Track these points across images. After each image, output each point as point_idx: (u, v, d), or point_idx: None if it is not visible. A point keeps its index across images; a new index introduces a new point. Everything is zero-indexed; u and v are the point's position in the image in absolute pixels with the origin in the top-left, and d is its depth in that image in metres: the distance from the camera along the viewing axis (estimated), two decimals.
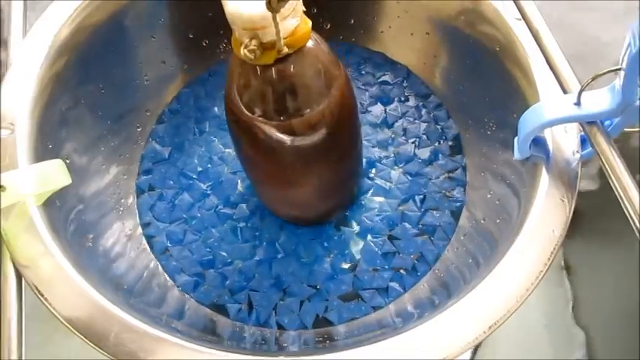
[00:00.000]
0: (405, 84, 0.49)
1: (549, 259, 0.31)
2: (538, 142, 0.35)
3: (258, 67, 0.29)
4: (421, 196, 0.44)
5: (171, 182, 0.45)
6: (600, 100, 0.31)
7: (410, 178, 0.45)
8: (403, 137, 0.46)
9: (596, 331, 0.50)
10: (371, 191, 0.44)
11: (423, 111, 0.47)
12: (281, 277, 0.41)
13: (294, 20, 0.28)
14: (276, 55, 0.28)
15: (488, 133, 0.42)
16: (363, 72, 0.50)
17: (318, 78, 0.31)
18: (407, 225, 0.43)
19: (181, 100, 0.48)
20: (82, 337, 0.29)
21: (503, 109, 0.40)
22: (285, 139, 0.32)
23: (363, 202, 0.44)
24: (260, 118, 0.31)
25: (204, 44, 0.48)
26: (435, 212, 0.43)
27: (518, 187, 0.36)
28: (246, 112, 0.31)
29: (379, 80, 0.49)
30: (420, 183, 0.44)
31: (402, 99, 0.48)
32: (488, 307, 0.30)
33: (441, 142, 0.46)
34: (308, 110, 0.31)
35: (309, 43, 0.30)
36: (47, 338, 0.49)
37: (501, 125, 0.41)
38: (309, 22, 0.29)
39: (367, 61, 0.50)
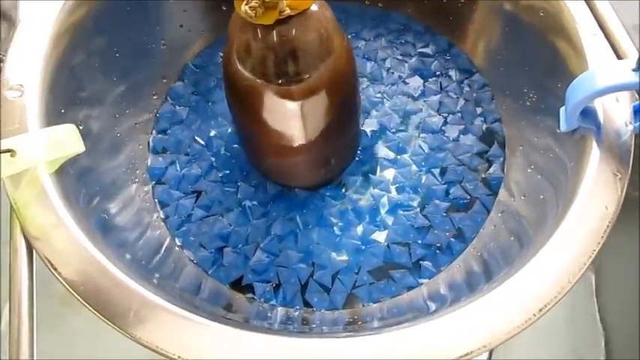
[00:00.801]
0: (447, 56, 0.46)
1: (602, 237, 0.29)
2: (587, 113, 0.32)
3: (258, 29, 0.29)
4: (440, 169, 0.42)
5: (185, 146, 0.43)
6: None
7: (434, 150, 0.43)
8: (435, 111, 0.44)
9: (618, 328, 0.48)
10: (388, 161, 0.42)
11: (466, 89, 0.45)
12: (309, 248, 0.39)
13: None
14: (277, 16, 0.28)
15: (528, 104, 0.39)
16: (402, 41, 0.47)
17: (320, 43, 0.30)
18: (436, 200, 0.41)
19: (204, 59, 0.46)
20: (99, 314, 0.27)
21: (544, 79, 0.38)
22: (284, 103, 0.32)
23: (377, 175, 0.42)
24: (259, 81, 0.31)
25: (224, 9, 0.45)
26: (467, 184, 0.41)
27: (564, 161, 0.34)
28: (246, 75, 0.31)
29: (419, 51, 0.46)
30: (442, 157, 0.42)
31: (443, 73, 0.46)
32: (538, 287, 0.28)
33: (477, 121, 0.43)
34: (307, 75, 0.31)
35: (313, 7, 0.29)
36: (58, 315, 0.47)
37: (543, 96, 0.38)
38: None
39: (407, 29, 0.47)
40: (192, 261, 0.39)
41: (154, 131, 0.44)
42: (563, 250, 0.29)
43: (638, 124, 0.32)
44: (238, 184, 0.42)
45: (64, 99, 0.35)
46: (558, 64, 0.36)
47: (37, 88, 0.33)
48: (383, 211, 0.40)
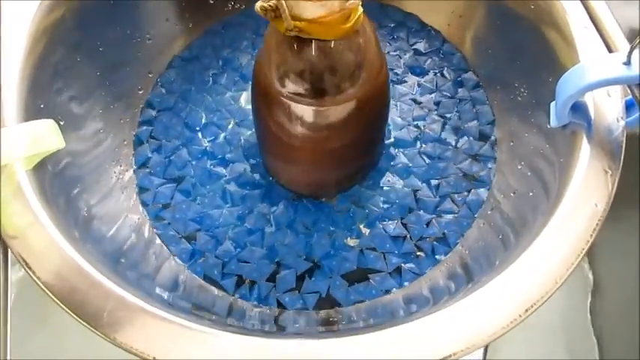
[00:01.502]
0: (440, 54, 0.45)
1: (591, 235, 0.28)
2: (578, 108, 0.32)
3: (295, 43, 0.28)
4: (437, 181, 0.40)
5: (174, 133, 0.43)
6: None
7: (429, 160, 0.41)
8: (435, 113, 0.43)
9: (613, 330, 0.47)
10: (388, 170, 0.41)
11: (460, 88, 0.44)
12: (275, 248, 0.39)
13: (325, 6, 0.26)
14: (284, 31, 0.27)
15: (519, 99, 0.39)
16: (395, 37, 0.46)
17: (357, 66, 0.30)
18: (421, 210, 0.40)
19: (193, 50, 0.46)
20: (73, 315, 0.27)
21: (535, 73, 0.37)
22: (313, 120, 0.32)
23: (376, 180, 0.41)
24: (291, 95, 0.30)
25: (211, 2, 0.45)
26: (456, 196, 0.40)
27: (554, 157, 0.33)
28: (278, 86, 0.31)
29: (413, 48, 0.45)
30: (440, 167, 0.41)
31: (437, 72, 0.44)
32: (524, 287, 0.27)
33: (472, 123, 0.42)
34: (341, 96, 0.30)
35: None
36: (48, 314, 0.47)
37: (534, 90, 0.38)
38: (352, 20, 0.27)
39: (401, 25, 0.46)
40: (171, 252, 0.39)
41: (141, 117, 0.43)
42: (550, 249, 0.28)
43: (629, 119, 0.31)
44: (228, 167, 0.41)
45: (44, 94, 0.34)
46: (549, 58, 0.35)
47: (16, 85, 0.32)
48: (361, 224, 0.39)
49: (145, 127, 0.43)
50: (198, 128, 0.43)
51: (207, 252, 0.38)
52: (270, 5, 0.26)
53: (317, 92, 0.30)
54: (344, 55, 0.29)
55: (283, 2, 0.26)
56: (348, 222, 0.39)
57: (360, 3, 0.27)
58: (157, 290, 0.32)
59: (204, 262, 0.38)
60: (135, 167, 0.41)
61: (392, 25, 0.46)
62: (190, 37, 0.45)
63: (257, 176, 0.41)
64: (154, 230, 0.39)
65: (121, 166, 0.40)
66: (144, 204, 0.40)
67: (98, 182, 0.37)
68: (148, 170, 0.41)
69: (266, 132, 0.36)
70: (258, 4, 0.26)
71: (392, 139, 0.42)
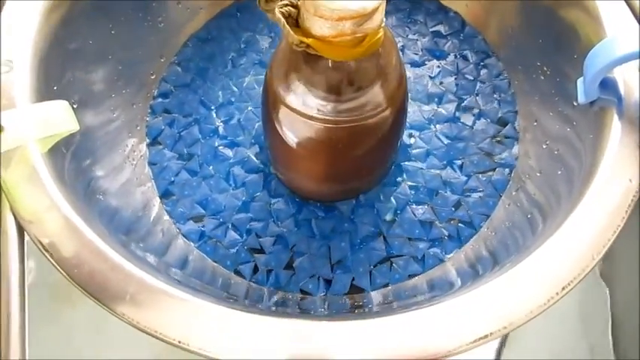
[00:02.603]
0: (460, 37, 0.44)
1: (626, 211, 0.27)
2: (606, 84, 0.31)
3: (306, 57, 0.27)
4: (460, 162, 0.39)
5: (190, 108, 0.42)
6: None
7: (449, 141, 0.40)
8: (453, 95, 0.42)
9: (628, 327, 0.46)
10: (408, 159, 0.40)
11: (482, 72, 0.42)
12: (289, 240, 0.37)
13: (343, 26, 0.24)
14: (290, 44, 0.26)
15: (542, 78, 0.38)
16: (412, 20, 0.45)
17: (372, 88, 0.29)
18: (448, 191, 0.38)
19: (212, 31, 0.45)
20: (94, 299, 0.26)
21: (558, 51, 0.36)
22: (327, 137, 0.30)
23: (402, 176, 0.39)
24: (304, 112, 0.29)
25: None
26: (480, 176, 0.39)
27: (582, 135, 0.32)
28: (286, 98, 0.29)
29: (432, 30, 0.44)
30: (459, 148, 0.40)
31: (458, 55, 0.43)
32: (561, 264, 0.26)
33: (493, 105, 0.41)
34: (358, 115, 0.29)
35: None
36: (54, 309, 0.46)
37: (557, 69, 0.36)
38: (365, 45, 0.25)
39: (418, 7, 0.45)
40: (181, 234, 0.38)
41: (155, 91, 0.42)
42: (585, 225, 0.27)
43: None
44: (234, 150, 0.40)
45: (56, 76, 0.33)
46: (573, 34, 0.34)
47: (27, 64, 0.31)
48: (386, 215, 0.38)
49: (160, 100, 0.42)
50: (213, 107, 0.42)
51: (217, 238, 0.38)
52: (282, 12, 0.25)
53: (325, 110, 0.29)
54: (358, 75, 0.28)
55: (282, 18, 0.25)
56: (372, 218, 0.38)
57: (379, 27, 0.25)
58: (173, 272, 0.32)
59: (214, 246, 0.38)
60: (148, 141, 0.41)
61: (408, 8, 0.45)
62: (202, 20, 0.44)
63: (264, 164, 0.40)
64: (163, 207, 0.39)
65: (135, 152, 0.39)
66: (154, 178, 0.40)
67: (111, 166, 0.37)
68: (160, 146, 0.41)
69: (273, 140, 0.34)
70: (278, 10, 0.25)
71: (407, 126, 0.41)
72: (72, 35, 0.34)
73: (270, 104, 0.31)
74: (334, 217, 0.38)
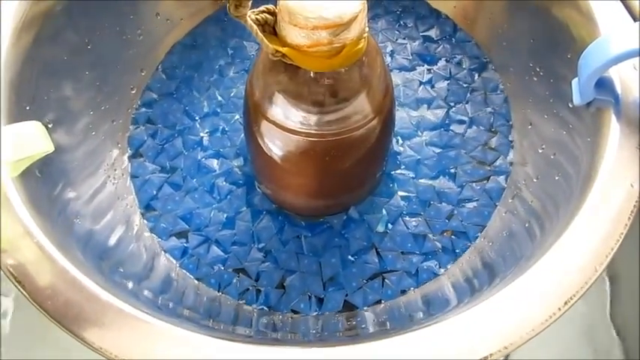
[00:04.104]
0: (452, 41, 0.42)
1: (629, 217, 0.26)
2: (603, 83, 0.30)
3: (286, 67, 0.25)
4: (453, 171, 0.38)
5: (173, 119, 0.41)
6: None
7: (440, 150, 0.39)
8: (443, 101, 0.40)
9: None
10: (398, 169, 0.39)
11: (474, 77, 0.41)
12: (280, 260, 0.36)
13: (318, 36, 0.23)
14: (267, 53, 0.25)
15: (535, 79, 0.36)
16: (402, 24, 0.43)
17: (355, 99, 0.27)
18: (442, 202, 0.37)
19: (197, 38, 0.43)
20: (67, 330, 0.24)
21: (551, 51, 0.35)
22: (313, 150, 0.29)
23: (394, 185, 0.38)
24: (287, 125, 0.28)
25: None
26: (474, 185, 0.38)
27: (579, 137, 0.31)
28: (266, 109, 0.28)
29: (422, 35, 0.43)
30: (451, 156, 0.38)
31: (450, 60, 0.42)
32: (561, 278, 0.25)
33: (485, 111, 0.40)
34: (344, 127, 0.28)
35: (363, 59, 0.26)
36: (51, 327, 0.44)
37: (550, 69, 0.35)
38: (343, 56, 0.24)
39: (409, 11, 0.44)
40: (164, 250, 0.37)
41: (139, 101, 0.41)
42: (586, 234, 0.26)
43: None
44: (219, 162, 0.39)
45: (28, 96, 0.32)
46: (565, 33, 0.33)
47: None
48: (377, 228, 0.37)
49: (143, 109, 0.41)
50: (198, 117, 0.41)
51: (199, 256, 0.36)
52: (258, 19, 0.24)
53: (310, 123, 0.27)
54: (342, 85, 0.26)
55: (254, 26, 0.23)
56: (363, 231, 0.37)
57: (360, 37, 0.24)
58: (152, 296, 0.30)
59: (198, 263, 0.36)
60: (129, 153, 0.40)
61: (398, 11, 0.44)
62: (183, 31, 0.43)
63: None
64: (145, 223, 0.38)
65: (115, 170, 0.38)
66: (136, 192, 0.39)
67: (90, 187, 0.35)
68: (142, 159, 0.40)
69: (257, 155, 0.33)
70: (252, 18, 0.24)
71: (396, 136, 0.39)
72: (45, 53, 0.33)
73: (252, 117, 0.30)
74: (324, 233, 0.36)
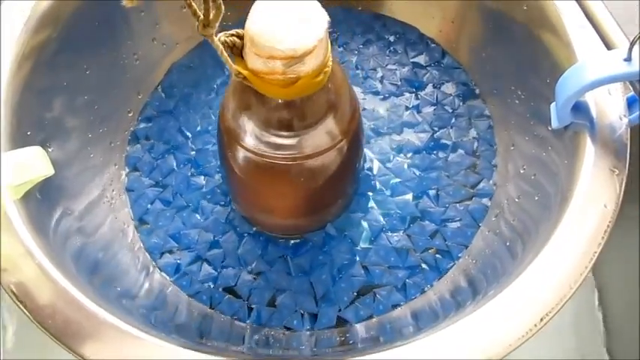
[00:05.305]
0: (441, 67, 0.44)
1: (603, 237, 0.27)
2: (579, 108, 0.31)
3: (255, 92, 0.26)
4: (434, 192, 0.39)
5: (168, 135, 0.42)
6: None
7: (420, 172, 0.40)
8: (428, 125, 0.42)
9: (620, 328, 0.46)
10: (381, 188, 0.40)
11: (460, 103, 0.42)
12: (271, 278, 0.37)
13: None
14: (233, 75, 0.25)
15: (517, 102, 0.38)
16: (393, 50, 0.45)
17: (319, 123, 0.28)
18: (425, 221, 0.38)
19: (194, 59, 0.45)
20: (67, 349, 0.25)
21: (532, 75, 0.36)
22: (284, 175, 0.30)
23: (371, 204, 0.39)
24: (258, 150, 0.29)
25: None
26: (458, 205, 0.39)
27: (558, 159, 0.32)
28: (235, 131, 0.29)
29: (412, 61, 0.44)
30: (433, 177, 0.40)
31: (437, 85, 0.43)
32: (538, 295, 0.26)
33: (470, 134, 0.41)
34: (311, 151, 0.29)
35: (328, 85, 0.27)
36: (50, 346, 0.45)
37: (531, 93, 0.37)
38: (299, 87, 0.25)
39: (400, 37, 0.45)
40: (157, 267, 0.38)
41: (138, 119, 0.43)
42: (562, 253, 0.27)
43: (632, 116, 0.31)
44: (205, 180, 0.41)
45: (30, 121, 0.33)
46: (545, 59, 0.34)
47: (1, 111, 0.31)
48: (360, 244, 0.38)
49: (142, 125, 0.43)
50: (190, 135, 0.42)
51: (193, 274, 0.37)
52: (227, 41, 0.24)
53: (272, 145, 0.28)
54: (303, 110, 0.27)
55: (220, 45, 0.24)
56: (346, 246, 0.38)
57: (317, 72, 0.25)
58: (146, 314, 0.31)
59: (191, 280, 0.37)
60: (127, 170, 0.41)
61: (389, 37, 0.45)
62: (178, 55, 0.44)
63: None
64: (138, 236, 0.39)
65: (113, 191, 0.39)
66: (131, 205, 0.40)
67: (89, 208, 0.36)
68: (138, 173, 0.41)
69: (229, 174, 0.34)
70: (220, 40, 0.24)
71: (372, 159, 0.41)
72: (45, 80, 0.34)
73: (225, 141, 0.31)
74: (308, 252, 0.38)
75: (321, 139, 0.29)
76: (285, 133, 0.28)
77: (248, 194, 0.35)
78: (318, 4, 0.24)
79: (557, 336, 0.45)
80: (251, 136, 0.29)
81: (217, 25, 0.23)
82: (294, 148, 0.29)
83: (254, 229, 0.38)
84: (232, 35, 0.25)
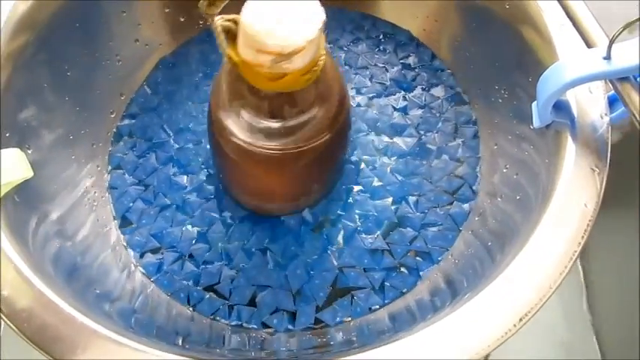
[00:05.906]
0: (430, 70, 0.44)
1: (583, 237, 0.27)
2: (560, 107, 0.31)
3: (251, 86, 0.26)
4: (416, 197, 0.39)
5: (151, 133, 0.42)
6: (634, 53, 0.27)
7: (402, 178, 0.40)
8: (414, 130, 0.41)
9: (609, 326, 0.46)
10: (362, 189, 0.40)
11: (447, 107, 0.42)
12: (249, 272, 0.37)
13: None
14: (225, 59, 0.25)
15: (500, 101, 0.38)
16: (381, 49, 0.45)
17: (308, 116, 0.29)
18: (407, 227, 0.38)
19: (179, 57, 0.44)
20: (47, 354, 0.25)
21: (514, 74, 0.36)
22: (274, 164, 0.31)
23: (350, 200, 0.39)
24: (249, 140, 0.29)
25: (182, 20, 0.44)
26: (438, 210, 0.39)
27: (539, 158, 0.32)
28: (233, 128, 0.29)
29: (401, 62, 0.44)
30: (414, 183, 0.40)
31: (426, 88, 0.43)
32: (517, 295, 0.26)
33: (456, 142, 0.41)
34: (302, 144, 0.29)
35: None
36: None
37: (514, 92, 0.37)
38: (286, 82, 0.25)
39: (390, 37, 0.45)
40: (139, 267, 0.38)
41: (122, 115, 0.42)
42: (542, 253, 0.27)
43: (613, 115, 0.31)
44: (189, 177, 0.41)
45: (8, 123, 0.33)
46: (527, 57, 0.34)
47: None
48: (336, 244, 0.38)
49: (126, 121, 0.42)
50: (172, 133, 0.42)
51: (174, 273, 0.37)
52: (223, 25, 0.24)
53: (261, 134, 0.29)
54: (293, 100, 0.27)
55: (219, 27, 0.24)
56: (323, 243, 0.38)
57: (305, 70, 0.25)
58: (125, 317, 0.31)
59: (172, 279, 0.37)
60: (109, 168, 0.41)
61: (379, 36, 0.45)
62: (160, 56, 0.44)
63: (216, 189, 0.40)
64: (121, 235, 0.39)
65: (95, 193, 0.39)
66: (113, 202, 0.40)
67: (70, 212, 0.36)
68: (121, 171, 0.41)
69: (221, 164, 0.35)
70: (218, 22, 0.24)
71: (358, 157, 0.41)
72: (24, 82, 0.34)
73: (216, 131, 0.31)
74: (286, 235, 0.38)
75: (308, 129, 0.29)
76: (273, 121, 0.28)
77: (234, 175, 0.35)
78: (319, 5, 0.24)
79: (548, 333, 0.46)
80: (240, 125, 0.29)
81: (222, 5, 0.24)
82: (283, 136, 0.29)
83: (241, 214, 0.39)
84: (229, 20, 0.25)
